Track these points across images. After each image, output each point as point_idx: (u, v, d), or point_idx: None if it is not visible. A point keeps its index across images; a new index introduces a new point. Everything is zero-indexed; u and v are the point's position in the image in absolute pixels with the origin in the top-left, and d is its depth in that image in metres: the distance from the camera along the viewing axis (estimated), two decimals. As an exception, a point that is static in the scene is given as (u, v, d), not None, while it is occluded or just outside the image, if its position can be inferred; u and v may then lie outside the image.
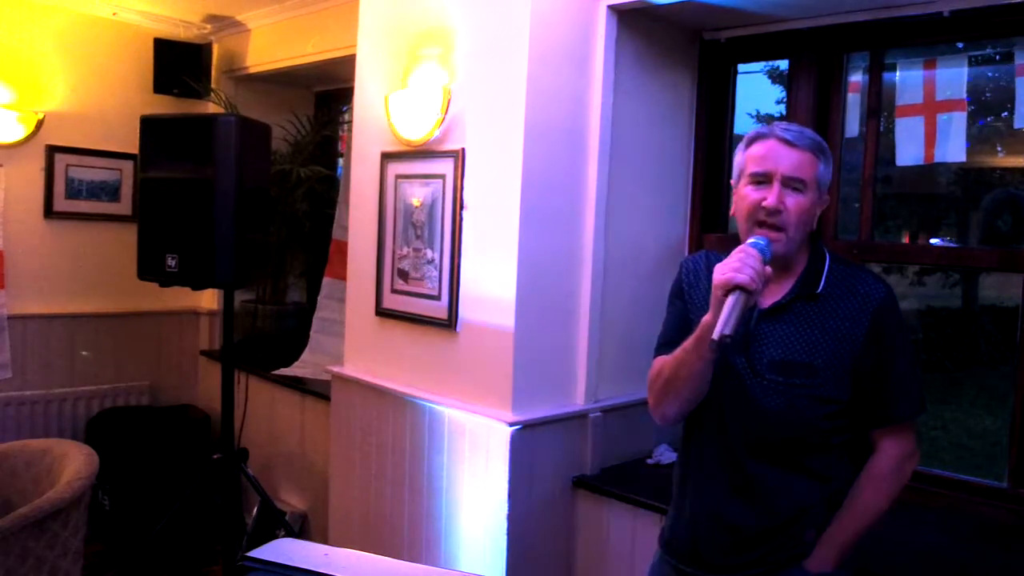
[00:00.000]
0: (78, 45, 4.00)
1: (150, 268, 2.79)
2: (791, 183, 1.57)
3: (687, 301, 1.76)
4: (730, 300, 1.46)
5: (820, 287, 1.62)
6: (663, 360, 1.69)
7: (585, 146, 2.46)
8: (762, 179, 1.60)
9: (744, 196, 1.62)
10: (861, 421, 1.62)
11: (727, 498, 1.65)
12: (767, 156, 1.59)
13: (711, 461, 1.69)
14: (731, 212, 1.69)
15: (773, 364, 1.60)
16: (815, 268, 1.64)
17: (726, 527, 1.65)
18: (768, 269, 1.51)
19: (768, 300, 1.64)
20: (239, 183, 2.70)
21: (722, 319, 1.45)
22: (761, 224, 1.59)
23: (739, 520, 1.64)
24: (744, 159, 1.64)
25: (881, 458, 1.62)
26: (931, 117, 2.31)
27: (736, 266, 1.48)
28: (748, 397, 1.62)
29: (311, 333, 3.82)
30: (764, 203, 1.57)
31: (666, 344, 1.75)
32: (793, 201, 1.57)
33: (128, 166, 4.10)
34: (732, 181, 1.68)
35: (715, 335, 1.44)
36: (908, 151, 2.36)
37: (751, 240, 1.56)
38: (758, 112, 3.76)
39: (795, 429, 1.59)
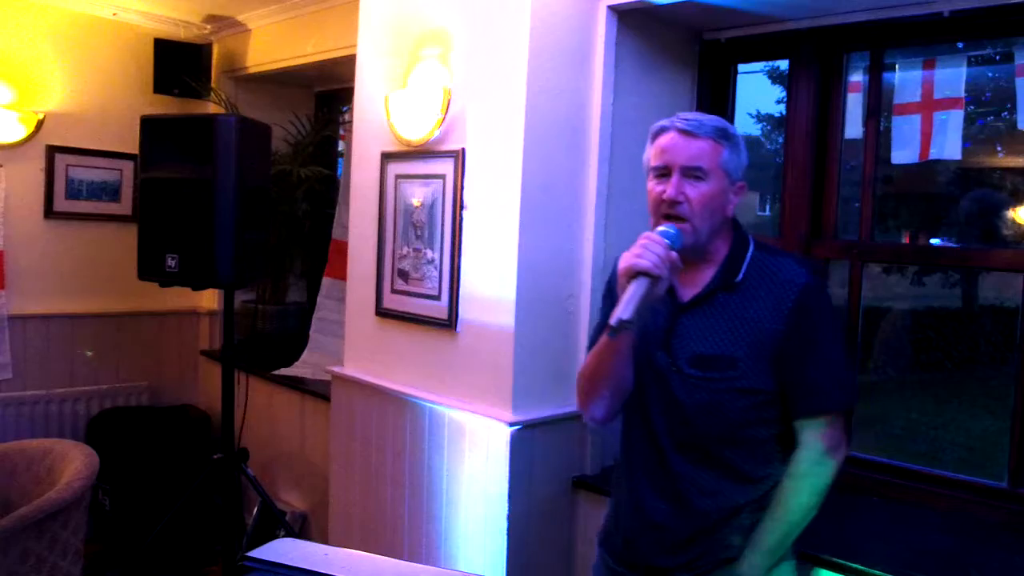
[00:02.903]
0: (78, 45, 4.00)
1: (150, 268, 2.79)
2: (691, 173, 1.57)
3: (616, 299, 1.73)
4: (632, 285, 1.46)
5: (740, 276, 1.60)
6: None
7: (585, 146, 2.45)
8: (663, 172, 1.60)
9: (649, 191, 1.62)
10: (787, 411, 1.59)
11: (654, 497, 1.64)
12: (667, 148, 1.59)
13: (640, 460, 1.68)
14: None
15: (693, 359, 1.58)
16: (736, 257, 1.62)
17: (653, 526, 1.63)
18: (674, 255, 1.50)
19: (688, 293, 1.63)
20: (239, 183, 2.70)
21: (621, 303, 1.44)
22: (666, 217, 1.58)
23: (666, 520, 1.62)
24: (649, 153, 1.64)
25: (804, 453, 1.57)
26: (928, 115, 2.31)
27: (638, 252, 1.48)
28: (671, 394, 1.60)
29: (311, 333, 3.82)
30: (664, 195, 1.57)
31: (594, 344, 1.73)
32: (694, 191, 1.56)
33: (128, 166, 4.10)
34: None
35: (612, 320, 1.43)
36: (903, 149, 2.36)
37: (660, 228, 1.55)
38: (758, 112, 3.76)
39: (720, 424, 1.57)
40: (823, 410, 1.58)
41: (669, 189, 1.57)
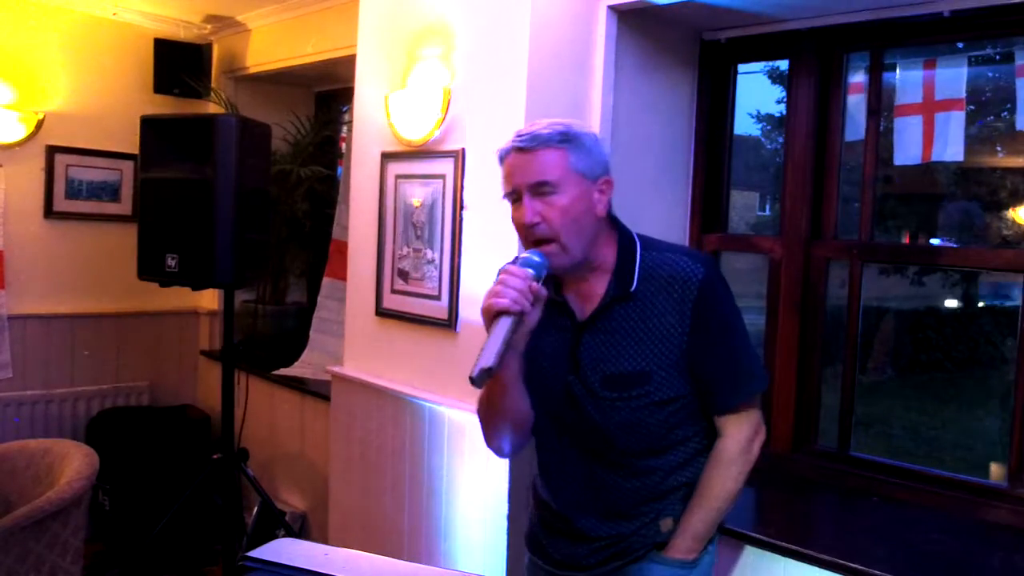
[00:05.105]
0: (79, 45, 4.00)
1: (150, 268, 2.80)
2: (538, 190, 1.48)
3: None
4: (495, 327, 1.38)
5: (634, 284, 1.54)
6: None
7: (585, 146, 2.45)
8: (515, 197, 1.52)
9: (512, 219, 1.55)
10: (705, 406, 1.60)
11: (585, 516, 1.63)
12: (510, 172, 1.52)
13: (566, 479, 1.65)
14: None
15: (606, 380, 1.54)
16: (626, 262, 1.56)
17: (586, 539, 1.63)
18: (537, 285, 1.43)
19: (585, 309, 1.58)
20: (239, 183, 2.70)
21: (484, 350, 1.35)
22: (535, 243, 1.51)
23: (600, 531, 1.62)
24: (500, 181, 1.57)
25: (727, 441, 1.59)
26: (929, 116, 2.31)
27: (496, 290, 1.42)
28: (589, 418, 1.57)
29: (311, 333, 3.82)
30: (521, 221, 1.51)
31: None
32: (549, 207, 1.48)
33: (128, 166, 4.10)
34: None
35: (474, 371, 1.33)
36: (906, 150, 2.36)
37: (524, 255, 1.48)
38: (758, 112, 3.76)
39: (643, 440, 1.57)
40: (740, 402, 1.60)
41: (524, 215, 1.49)
